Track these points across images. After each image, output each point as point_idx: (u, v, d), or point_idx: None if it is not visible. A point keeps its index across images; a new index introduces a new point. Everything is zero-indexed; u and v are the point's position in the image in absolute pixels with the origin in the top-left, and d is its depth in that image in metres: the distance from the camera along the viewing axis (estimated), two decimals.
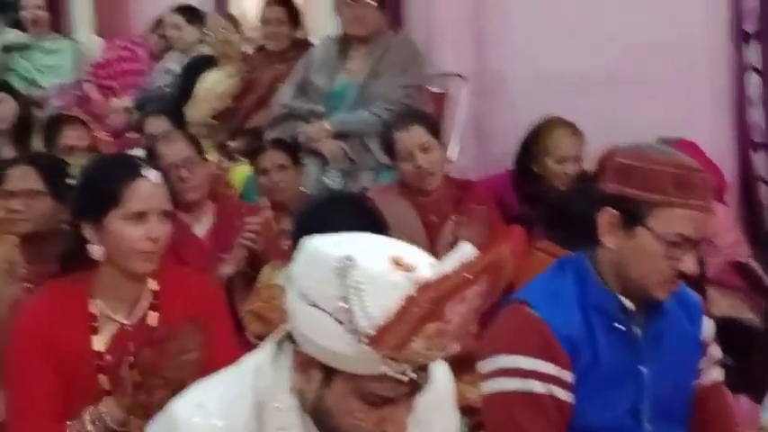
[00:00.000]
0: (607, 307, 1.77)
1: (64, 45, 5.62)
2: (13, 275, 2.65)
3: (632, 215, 1.72)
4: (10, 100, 4.24)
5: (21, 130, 4.15)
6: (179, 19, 5.14)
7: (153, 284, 2.06)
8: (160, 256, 2.02)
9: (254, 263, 2.95)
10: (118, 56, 5.55)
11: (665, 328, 1.81)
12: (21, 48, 5.48)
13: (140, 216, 1.97)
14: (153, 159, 2.99)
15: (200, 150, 3.16)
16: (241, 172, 4.03)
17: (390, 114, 3.68)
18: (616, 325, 1.76)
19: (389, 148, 3.17)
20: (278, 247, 2.94)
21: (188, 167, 3.01)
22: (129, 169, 2.02)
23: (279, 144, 3.50)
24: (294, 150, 3.51)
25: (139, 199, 1.97)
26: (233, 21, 4.85)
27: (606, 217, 1.76)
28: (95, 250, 1.98)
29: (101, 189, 1.99)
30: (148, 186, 2.00)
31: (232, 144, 4.36)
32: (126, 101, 5.18)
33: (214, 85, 4.67)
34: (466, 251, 1.29)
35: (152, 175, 2.02)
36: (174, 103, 4.72)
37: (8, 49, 5.46)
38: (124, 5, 6.45)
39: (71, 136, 3.43)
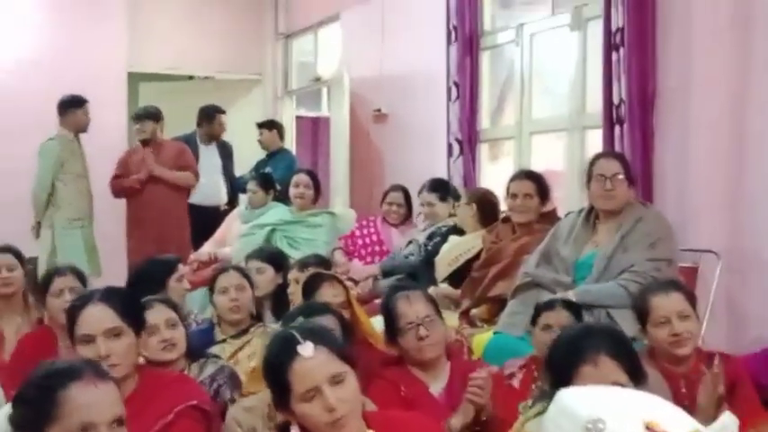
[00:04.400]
0: None
1: (324, 220, 5.92)
2: (273, 419, 2.77)
3: None
4: (269, 269, 4.44)
5: (279, 296, 4.36)
6: (432, 197, 5.40)
7: None
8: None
9: (480, 419, 2.89)
10: (359, 227, 5.87)
11: None
12: (285, 223, 5.88)
13: (313, 393, 2.00)
14: (391, 318, 3.14)
15: (437, 310, 3.22)
16: (482, 339, 4.05)
17: (638, 287, 3.61)
18: None
19: (643, 313, 3.09)
20: (510, 404, 2.89)
21: (426, 325, 3.08)
22: (286, 352, 2.05)
23: (569, 306, 3.38)
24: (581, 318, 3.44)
25: (304, 379, 2.01)
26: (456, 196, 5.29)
27: None
28: None
29: (273, 379, 2.08)
30: (307, 363, 2.02)
31: (474, 311, 4.41)
32: (374, 268, 5.41)
33: (450, 251, 4.85)
34: (729, 424, 1.22)
35: (306, 350, 2.04)
36: (418, 270, 4.95)
37: (273, 228, 5.84)
38: (377, 180, 6.86)
39: (327, 294, 3.58)
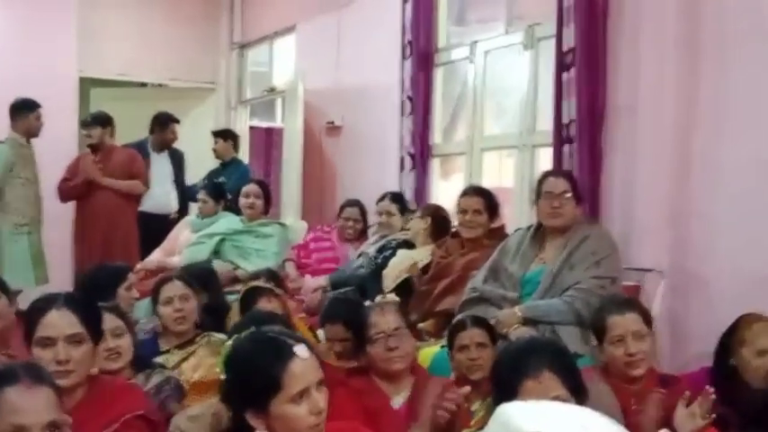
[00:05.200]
0: None
1: (275, 230, 5.86)
2: (217, 428, 2.74)
3: None
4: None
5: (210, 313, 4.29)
6: (393, 207, 5.43)
7: None
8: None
9: None
10: (314, 238, 5.86)
11: None
12: (235, 233, 5.84)
13: (302, 394, 2.04)
14: (361, 327, 3.17)
15: (408, 323, 3.27)
16: (428, 352, 4.07)
17: (583, 303, 3.68)
18: None
19: (599, 330, 3.14)
20: (467, 419, 2.92)
21: (397, 337, 3.12)
22: (281, 352, 2.08)
23: (480, 322, 3.52)
24: (493, 331, 3.53)
25: (298, 379, 2.05)
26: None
27: None
28: None
29: (258, 378, 2.07)
30: (303, 364, 2.07)
31: (422, 325, 4.44)
32: (322, 280, 5.41)
33: (398, 263, 4.88)
34: None
35: (302, 351, 2.08)
36: (367, 283, 4.94)
37: (223, 238, 5.78)
38: (329, 192, 6.87)
39: (264, 308, 3.56)
